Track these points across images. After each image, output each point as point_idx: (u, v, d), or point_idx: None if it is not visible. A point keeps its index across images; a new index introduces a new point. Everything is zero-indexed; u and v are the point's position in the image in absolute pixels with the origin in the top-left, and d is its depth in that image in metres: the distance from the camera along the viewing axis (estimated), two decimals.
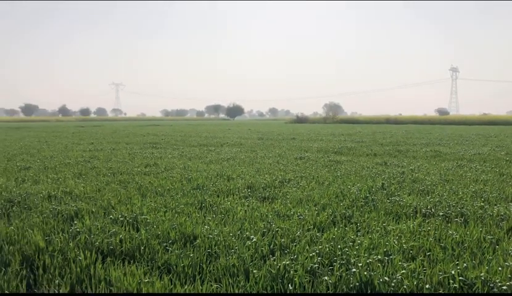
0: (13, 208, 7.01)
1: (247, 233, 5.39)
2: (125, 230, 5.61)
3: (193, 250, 4.89)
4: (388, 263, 4.44)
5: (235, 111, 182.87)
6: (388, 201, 7.24)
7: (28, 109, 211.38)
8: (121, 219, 6.08)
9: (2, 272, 4.70)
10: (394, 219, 6.24)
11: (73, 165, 12.21)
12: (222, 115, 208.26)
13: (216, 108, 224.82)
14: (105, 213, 6.57)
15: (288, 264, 4.29)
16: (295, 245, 4.95)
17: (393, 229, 5.64)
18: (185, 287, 4.03)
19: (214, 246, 4.99)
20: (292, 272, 4.18)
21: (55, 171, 10.92)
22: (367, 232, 5.56)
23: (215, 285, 4.06)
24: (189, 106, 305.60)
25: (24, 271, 4.63)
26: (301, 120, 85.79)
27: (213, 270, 4.41)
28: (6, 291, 4.38)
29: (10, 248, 5.19)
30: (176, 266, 4.52)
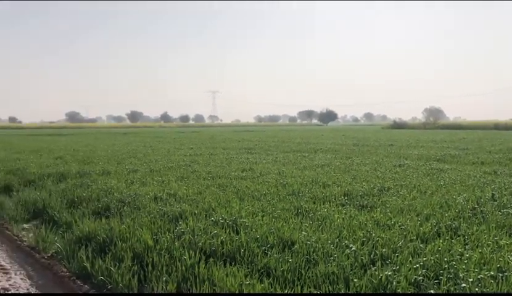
0: (124, 208, 7.60)
1: (346, 241, 5.30)
2: (225, 232, 5.80)
3: (291, 255, 4.92)
4: (502, 280, 4.09)
5: (328, 116, 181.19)
6: (500, 213, 6.68)
7: (134, 116, 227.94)
8: (222, 221, 6.31)
9: (117, 266, 5.12)
10: (507, 233, 5.75)
11: (175, 169, 12.92)
12: (315, 121, 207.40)
13: (308, 114, 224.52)
14: (206, 215, 6.85)
15: (390, 275, 4.14)
16: (397, 256, 4.76)
17: (507, 243, 5.19)
18: (286, 291, 4.07)
19: (313, 252, 4.97)
20: (394, 283, 4.03)
21: (159, 174, 11.64)
22: (477, 246, 5.18)
23: (315, 291, 4.05)
24: (281, 112, 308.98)
25: (136, 267, 5.01)
26: (399, 125, 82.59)
27: (312, 276, 4.39)
28: (120, 285, 4.76)
29: (123, 245, 5.63)
30: (275, 270, 4.58)
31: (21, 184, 11.29)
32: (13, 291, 5.30)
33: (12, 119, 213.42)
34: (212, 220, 6.42)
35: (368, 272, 4.33)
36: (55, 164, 14.62)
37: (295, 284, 4.24)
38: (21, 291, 5.32)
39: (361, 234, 5.58)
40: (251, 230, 5.84)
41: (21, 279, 5.73)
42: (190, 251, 5.12)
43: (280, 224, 6.06)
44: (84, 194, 8.90)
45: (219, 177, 10.93)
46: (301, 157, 16.84)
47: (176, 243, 5.47)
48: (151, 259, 5.13)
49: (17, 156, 18.15)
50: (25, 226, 8.07)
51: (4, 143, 30.61)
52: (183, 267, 4.80)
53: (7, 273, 5.90)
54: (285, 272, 4.51)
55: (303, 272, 4.50)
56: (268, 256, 4.97)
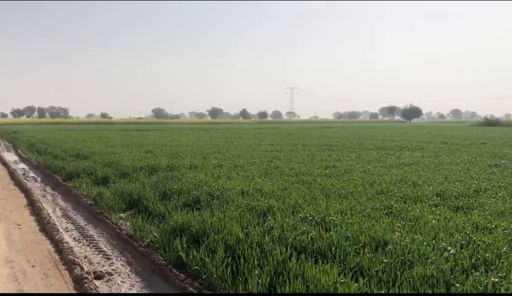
0: (213, 201, 7.85)
1: (443, 244, 5.05)
2: (315, 229, 5.78)
3: (385, 256, 4.79)
4: None
5: (411, 112, 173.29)
6: None
7: (214, 112, 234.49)
8: (310, 218, 6.30)
9: (210, 257, 5.30)
10: None
11: (258, 164, 13.10)
12: (397, 117, 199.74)
13: (391, 110, 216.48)
14: (293, 211, 6.87)
15: (497, 282, 3.88)
16: (503, 262, 4.45)
17: None
18: (383, 291, 3.98)
19: (408, 254, 4.80)
20: (502, 290, 3.77)
21: (244, 169, 11.87)
22: None
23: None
24: (361, 109, 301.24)
25: (229, 259, 5.15)
26: (491, 123, 76.90)
27: (409, 278, 4.24)
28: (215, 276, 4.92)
29: (215, 236, 5.81)
30: (369, 270, 4.48)
31: (116, 176, 12.06)
32: (115, 276, 5.69)
33: (104, 115, 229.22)
34: (300, 216, 6.43)
35: (471, 277, 4.10)
36: (146, 158, 15.43)
37: (391, 285, 4.12)
38: (122, 276, 5.70)
39: (459, 237, 5.30)
40: (342, 228, 5.76)
41: (122, 265, 6.14)
42: (281, 247, 5.17)
43: (371, 224, 5.93)
44: (175, 187, 9.30)
45: (303, 174, 10.91)
46: (385, 155, 16.32)
47: (266, 238, 5.55)
48: (243, 252, 5.25)
49: (111, 150, 19.38)
50: (122, 215, 8.62)
51: (98, 137, 32.87)
52: (274, 262, 4.86)
53: (109, 259, 6.36)
54: (379, 273, 4.41)
55: (398, 273, 4.36)
56: (361, 255, 4.88)
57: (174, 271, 5.42)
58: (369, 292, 4.04)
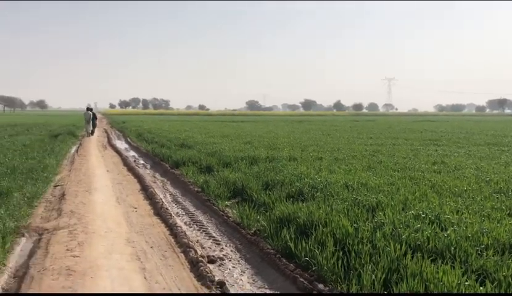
0: (317, 194, 7.82)
1: None
2: (429, 227, 5.50)
3: None
4: None
5: None
6: None
7: (307, 104, 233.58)
8: (422, 215, 6.01)
9: (320, 250, 5.29)
10: None
11: (359, 158, 12.81)
12: (508, 111, 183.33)
13: (500, 103, 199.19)
14: (403, 207, 6.62)
15: None
16: None
17: None
18: None
19: None
20: None
21: (345, 163, 11.67)
22: None
23: None
24: (466, 101, 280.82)
25: (340, 253, 5.09)
26: None
27: None
28: None
29: (324, 229, 5.79)
30: (495, 273, 4.17)
31: (219, 165, 12.50)
32: (226, 261, 5.91)
33: (201, 107, 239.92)
34: (412, 213, 6.16)
35: None
36: (246, 149, 15.83)
37: None
38: (233, 262, 5.90)
39: None
40: (459, 227, 5.42)
41: (231, 250, 6.36)
42: (395, 244, 4.99)
43: (494, 225, 5.50)
44: (277, 178, 9.42)
45: (409, 169, 10.46)
46: (499, 151, 15.07)
47: (378, 234, 5.40)
48: (353, 246, 5.17)
49: (212, 140, 20.18)
50: (227, 203, 8.92)
51: (198, 128, 34.42)
52: (388, 259, 4.71)
53: (219, 244, 6.62)
54: (506, 278, 4.07)
55: None
56: (484, 257, 4.55)
57: (284, 260, 5.48)
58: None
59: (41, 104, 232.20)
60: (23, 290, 4.65)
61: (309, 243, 5.49)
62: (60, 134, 26.42)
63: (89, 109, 30.40)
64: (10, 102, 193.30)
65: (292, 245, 5.63)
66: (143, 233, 6.97)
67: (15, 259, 5.70)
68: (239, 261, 5.96)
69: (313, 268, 5.04)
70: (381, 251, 4.91)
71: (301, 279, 4.90)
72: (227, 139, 21.03)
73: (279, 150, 15.24)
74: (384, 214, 6.14)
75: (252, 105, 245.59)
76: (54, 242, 6.22)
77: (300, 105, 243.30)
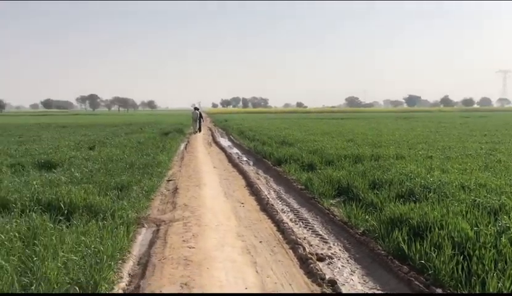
0: (430, 194, 7.41)
1: None
2: None
3: None
4: None
5: None
6: None
7: (411, 100, 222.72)
8: None
9: (436, 253, 5.01)
10: None
11: (474, 157, 11.92)
12: None
13: None
14: None
15: None
16: None
17: None
18: None
19: None
20: None
21: (458, 162, 10.94)
22: None
23: None
24: None
25: (459, 257, 4.78)
26: None
27: None
28: None
29: (440, 232, 5.47)
30: None
31: (321, 163, 12.41)
32: (335, 259, 5.86)
33: (299, 104, 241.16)
34: None
35: None
36: (348, 147, 15.53)
37: None
38: (342, 261, 5.82)
39: None
40: None
41: (340, 249, 6.28)
42: None
43: None
44: (385, 177, 9.10)
45: None
46: None
47: (503, 239, 4.97)
48: (474, 251, 4.82)
49: (312, 138, 20.11)
50: (332, 201, 8.83)
51: (297, 125, 34.47)
52: None
53: (326, 242, 6.58)
54: None
55: None
56: None
57: (396, 262, 5.29)
58: None
59: (150, 104, 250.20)
60: (147, 277, 5.02)
61: (424, 245, 5.23)
62: (170, 132, 28.14)
63: (196, 109, 32.60)
64: (124, 102, 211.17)
65: (405, 246, 5.41)
66: (251, 228, 7.16)
67: (137, 247, 6.20)
68: (348, 260, 5.87)
69: (429, 272, 4.79)
70: (508, 258, 4.52)
71: (417, 282, 4.69)
72: (328, 137, 20.81)
73: (384, 147, 14.71)
74: (509, 218, 5.63)
75: (352, 101, 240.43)
76: (171, 233, 6.65)
77: (403, 100, 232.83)
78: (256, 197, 9.48)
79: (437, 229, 5.56)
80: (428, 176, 8.76)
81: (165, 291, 4.65)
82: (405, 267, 5.10)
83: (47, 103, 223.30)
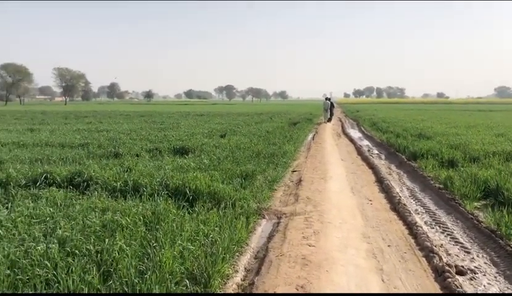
0: None
1: None
2: None
3: None
4: None
5: None
6: None
7: None
8: None
9: None
10: None
11: None
12: None
13: None
14: None
15: None
16: None
17: None
18: None
19: None
20: None
21: None
22: None
23: None
24: None
25: None
26: None
27: None
28: None
29: None
30: None
31: (465, 160, 11.03)
32: (479, 275, 4.94)
33: (440, 95, 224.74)
34: None
35: None
36: (498, 142, 13.70)
37: None
38: (488, 277, 4.90)
39: None
40: None
41: (485, 263, 5.32)
42: None
43: None
44: None
45: None
46: None
47: None
48: None
49: (454, 131, 18.23)
50: (476, 204, 7.69)
51: (437, 117, 31.80)
52: None
53: (468, 253, 5.64)
54: None
55: None
56: None
57: None
58: None
59: (282, 94, 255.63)
60: (262, 274, 4.74)
61: None
62: (298, 122, 28.03)
63: (327, 99, 32.59)
64: (257, 92, 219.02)
65: None
66: (379, 229, 6.49)
67: (256, 240, 5.98)
68: (495, 277, 4.91)
69: None
70: None
71: None
72: (473, 130, 18.69)
73: None
74: None
75: (503, 92, 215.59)
76: (291, 228, 6.31)
77: None
78: (387, 194, 8.69)
79: None
80: None
81: (279, 292, 4.31)
82: None
83: (189, 94, 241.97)
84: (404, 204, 7.67)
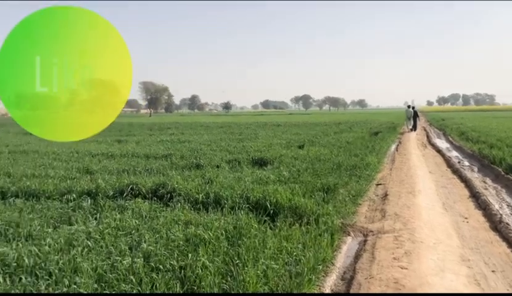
0: None
1: None
2: None
3: None
4: None
5: None
6: None
7: None
8: None
9: None
10: None
11: None
12: None
13: None
14: None
15: None
16: None
17: None
18: None
19: None
20: None
21: None
22: None
23: None
24: None
25: None
26: None
27: None
28: None
29: None
30: None
31: None
32: None
33: None
34: None
35: None
36: None
37: None
38: None
39: None
40: None
41: None
42: None
43: None
44: None
45: None
46: None
47: None
48: None
49: None
50: None
51: None
52: None
53: None
54: None
55: None
56: None
57: None
58: None
59: (361, 103, 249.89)
60: None
61: None
62: (380, 131, 26.97)
63: (410, 107, 31.53)
64: (334, 102, 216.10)
65: None
66: (479, 251, 5.86)
67: (342, 259, 5.63)
68: None
69: None
70: None
71: None
72: None
73: None
74: None
75: None
76: (380, 247, 5.87)
77: None
78: (484, 211, 7.91)
79: None
80: None
81: None
82: None
83: (265, 104, 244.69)
84: (507, 223, 6.90)
